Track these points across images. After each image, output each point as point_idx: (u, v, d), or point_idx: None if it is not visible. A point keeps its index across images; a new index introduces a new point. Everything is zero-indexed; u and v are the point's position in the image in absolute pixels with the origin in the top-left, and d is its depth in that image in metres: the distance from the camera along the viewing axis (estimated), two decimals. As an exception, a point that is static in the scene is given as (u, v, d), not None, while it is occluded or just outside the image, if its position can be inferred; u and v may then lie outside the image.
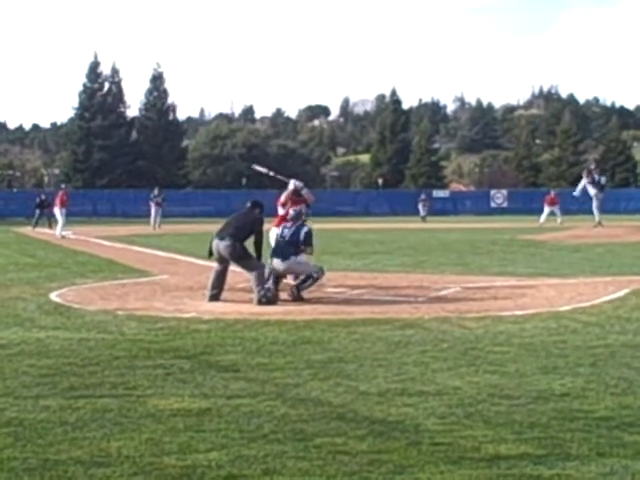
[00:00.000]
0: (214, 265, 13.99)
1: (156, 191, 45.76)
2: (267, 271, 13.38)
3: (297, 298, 13.34)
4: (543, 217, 46.98)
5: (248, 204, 14.11)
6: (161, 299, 13.78)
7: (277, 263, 13.62)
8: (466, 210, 75.93)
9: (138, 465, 5.28)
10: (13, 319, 11.55)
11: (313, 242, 14.03)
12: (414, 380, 7.64)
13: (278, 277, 13.72)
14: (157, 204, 44.99)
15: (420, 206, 56.42)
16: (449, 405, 6.70)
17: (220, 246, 13.38)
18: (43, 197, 48.01)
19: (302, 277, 13.64)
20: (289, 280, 14.19)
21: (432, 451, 5.51)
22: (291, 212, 14.26)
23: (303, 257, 13.99)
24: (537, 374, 7.87)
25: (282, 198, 15.34)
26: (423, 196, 58.18)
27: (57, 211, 35.66)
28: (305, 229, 13.86)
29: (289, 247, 13.72)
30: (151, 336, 10.14)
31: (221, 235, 13.45)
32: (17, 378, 7.78)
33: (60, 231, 34.62)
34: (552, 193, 49.37)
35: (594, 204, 33.09)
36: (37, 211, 46.80)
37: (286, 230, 13.91)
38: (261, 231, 13.63)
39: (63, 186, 38.16)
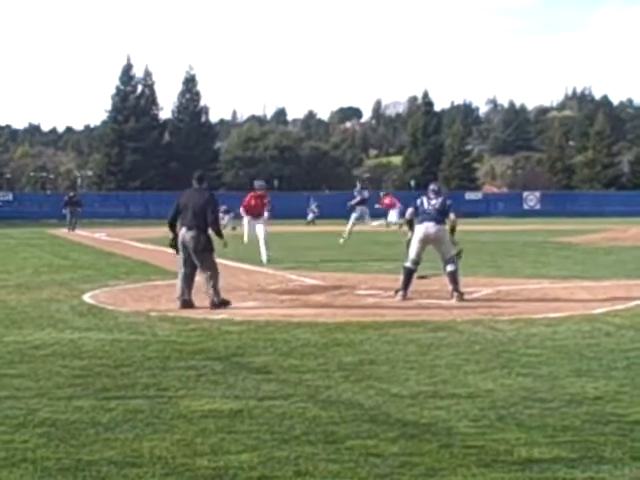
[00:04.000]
0: (180, 267, 13.23)
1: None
2: None
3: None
4: (383, 220, 42.79)
5: (195, 180, 13.42)
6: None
7: (430, 227, 14.09)
8: (499, 212, 75.47)
9: (170, 466, 5.29)
10: (47, 320, 11.63)
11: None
12: (446, 382, 7.62)
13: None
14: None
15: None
16: (481, 408, 6.67)
17: (187, 236, 12.91)
18: (72, 194, 47.74)
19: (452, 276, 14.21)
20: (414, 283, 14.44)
21: (464, 454, 5.49)
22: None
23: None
24: (570, 377, 7.81)
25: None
26: None
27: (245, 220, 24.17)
28: (449, 201, 14.57)
29: (439, 215, 14.21)
30: (183, 337, 10.18)
31: (189, 225, 12.94)
32: (50, 379, 7.84)
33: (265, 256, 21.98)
34: (381, 194, 46.34)
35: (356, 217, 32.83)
36: (66, 210, 44.87)
37: (432, 200, 14.32)
38: (216, 209, 13.30)
39: (256, 185, 24.63)
